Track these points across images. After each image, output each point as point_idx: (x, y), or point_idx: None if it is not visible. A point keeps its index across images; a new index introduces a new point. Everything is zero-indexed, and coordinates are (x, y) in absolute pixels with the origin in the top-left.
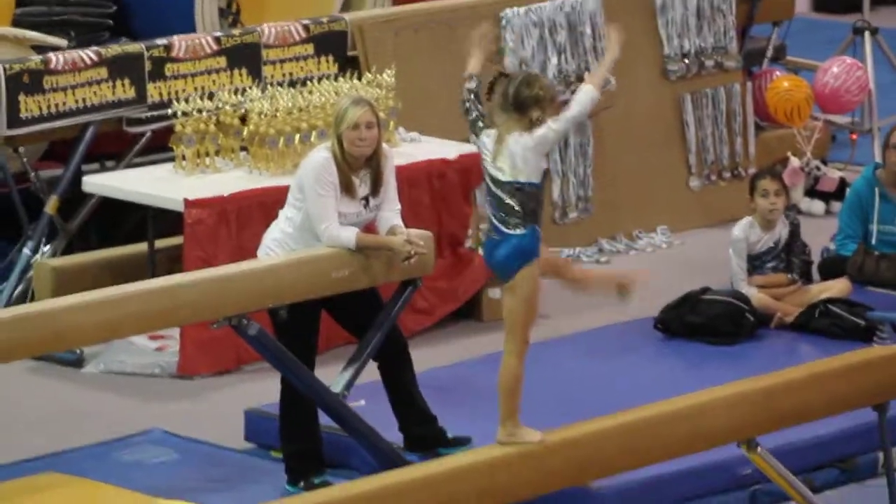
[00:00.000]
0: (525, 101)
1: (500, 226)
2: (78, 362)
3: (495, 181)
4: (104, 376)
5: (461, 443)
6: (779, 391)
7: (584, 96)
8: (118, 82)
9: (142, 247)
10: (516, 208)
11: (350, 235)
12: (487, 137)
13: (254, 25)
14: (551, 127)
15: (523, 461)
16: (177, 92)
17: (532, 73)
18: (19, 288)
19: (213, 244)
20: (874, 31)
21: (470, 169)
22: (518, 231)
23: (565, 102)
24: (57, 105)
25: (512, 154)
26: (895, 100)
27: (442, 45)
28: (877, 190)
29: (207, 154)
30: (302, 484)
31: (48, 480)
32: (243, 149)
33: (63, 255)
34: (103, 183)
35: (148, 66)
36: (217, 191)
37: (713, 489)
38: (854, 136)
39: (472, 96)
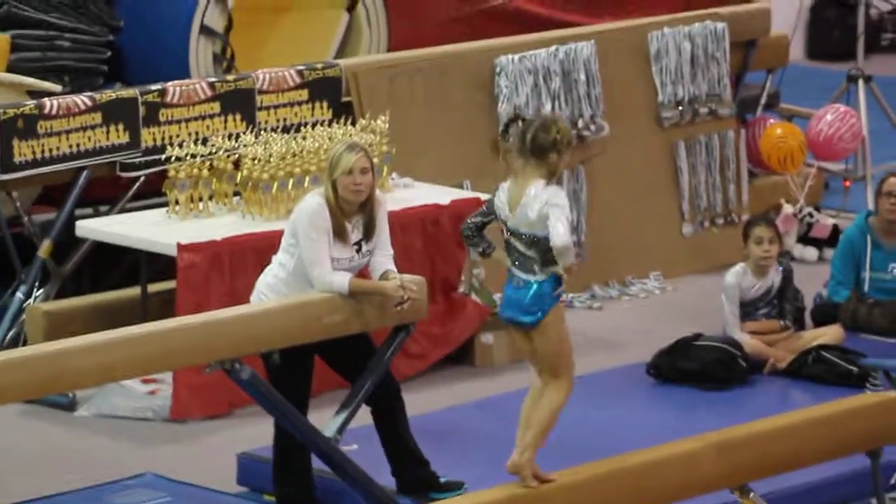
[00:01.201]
0: (543, 146)
1: (520, 273)
2: (70, 406)
3: (513, 232)
4: (96, 420)
5: (454, 487)
6: (772, 437)
7: (567, 247)
8: (112, 127)
9: (135, 291)
10: (535, 258)
11: (343, 280)
12: (501, 190)
13: (248, 71)
14: (556, 207)
15: None
16: (171, 137)
17: (549, 116)
18: (12, 332)
19: (206, 289)
20: (868, 79)
21: (463, 214)
22: (539, 277)
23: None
24: (51, 150)
25: (528, 208)
26: (888, 147)
27: (436, 92)
28: (869, 237)
29: (201, 199)
30: None
31: None
32: (237, 194)
33: (56, 299)
34: (97, 227)
35: (142, 111)
36: (210, 235)
37: None
38: (847, 184)
39: (475, 228)
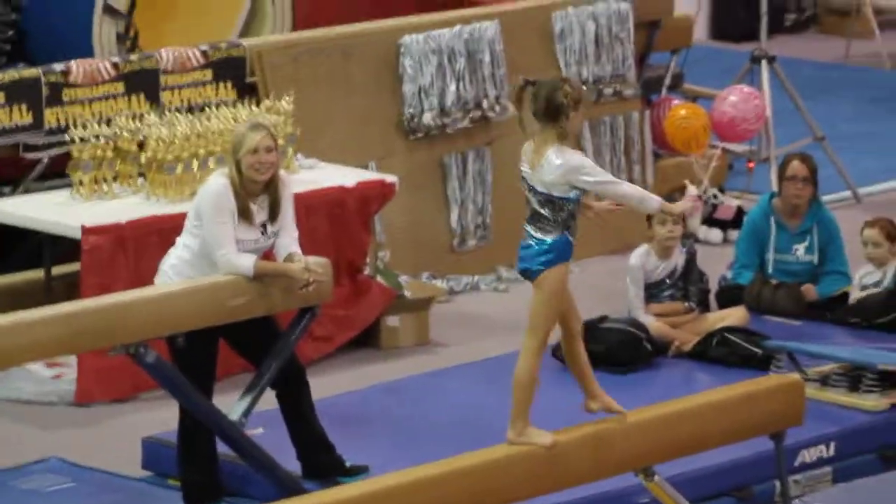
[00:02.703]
0: (557, 109)
1: (531, 230)
2: None
3: (531, 189)
4: (0, 404)
5: (359, 471)
6: (676, 419)
7: (645, 198)
8: (15, 107)
9: (38, 273)
10: (548, 217)
11: (248, 263)
12: (526, 146)
13: (152, 51)
14: (587, 176)
15: (421, 489)
16: (74, 117)
17: (561, 78)
18: None
19: (111, 271)
20: (771, 60)
21: (369, 196)
22: (548, 237)
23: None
24: None
25: (547, 169)
26: (792, 128)
27: (340, 72)
28: (773, 219)
29: (105, 180)
30: None
31: None
32: (141, 175)
33: None
34: None
35: (45, 91)
36: (115, 217)
37: None
38: (751, 165)
39: None
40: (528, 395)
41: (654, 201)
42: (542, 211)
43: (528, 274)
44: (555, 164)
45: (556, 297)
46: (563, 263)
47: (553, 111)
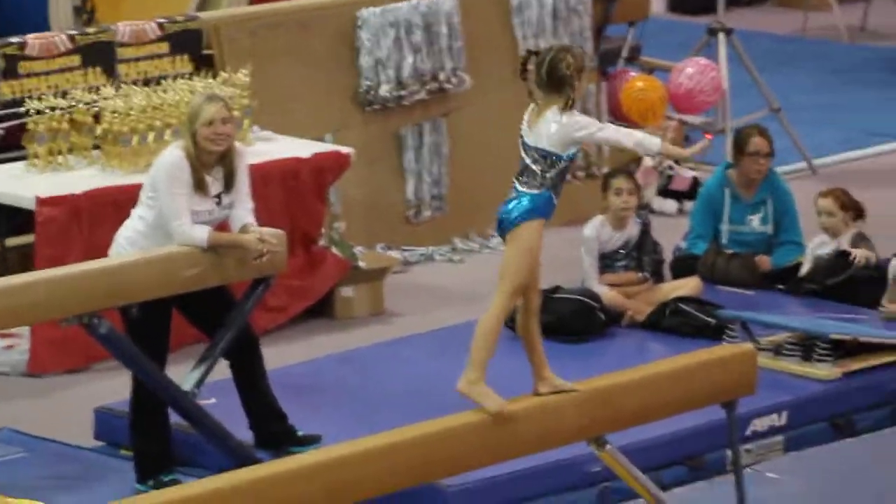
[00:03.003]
0: (561, 79)
1: (517, 184)
2: None
3: (525, 145)
4: None
5: (311, 441)
6: (628, 389)
7: (643, 140)
8: None
9: None
10: (537, 172)
11: (202, 234)
12: (532, 107)
13: (108, 24)
14: (584, 129)
15: (374, 458)
16: (30, 90)
17: (562, 47)
18: None
19: (65, 242)
20: (728, 33)
21: (324, 168)
22: (532, 191)
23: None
24: None
25: (544, 126)
26: (748, 100)
27: (297, 45)
28: (727, 190)
29: (60, 152)
30: (151, 482)
31: None
32: (96, 147)
33: None
34: None
35: (1, 64)
36: (70, 189)
37: (562, 487)
38: (708, 136)
39: None
40: (488, 346)
41: (655, 143)
42: (533, 167)
43: (503, 227)
44: (554, 126)
45: (529, 253)
46: (540, 219)
47: (557, 82)
